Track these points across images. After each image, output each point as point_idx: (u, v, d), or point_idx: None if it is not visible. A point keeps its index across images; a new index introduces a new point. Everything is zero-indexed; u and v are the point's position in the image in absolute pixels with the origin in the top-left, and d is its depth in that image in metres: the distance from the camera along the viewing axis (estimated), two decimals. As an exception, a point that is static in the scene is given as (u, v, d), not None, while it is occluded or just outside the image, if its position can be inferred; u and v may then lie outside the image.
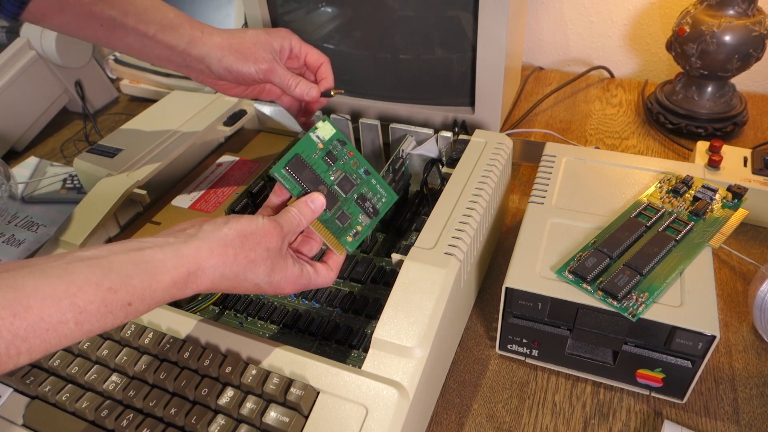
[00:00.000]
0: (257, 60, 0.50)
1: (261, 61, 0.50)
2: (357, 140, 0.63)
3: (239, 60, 0.49)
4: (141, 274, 0.31)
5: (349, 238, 0.44)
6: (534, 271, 0.44)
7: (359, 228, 0.45)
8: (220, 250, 0.35)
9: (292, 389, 0.38)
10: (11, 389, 0.44)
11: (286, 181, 0.43)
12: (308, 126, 0.57)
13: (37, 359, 0.28)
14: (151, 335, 0.43)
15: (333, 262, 0.44)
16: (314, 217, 0.42)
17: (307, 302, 0.52)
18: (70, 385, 0.43)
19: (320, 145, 0.45)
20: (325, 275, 0.42)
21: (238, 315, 0.51)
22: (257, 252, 0.37)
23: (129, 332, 0.44)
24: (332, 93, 0.54)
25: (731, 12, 0.67)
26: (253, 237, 0.37)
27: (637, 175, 0.53)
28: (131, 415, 0.40)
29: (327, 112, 0.65)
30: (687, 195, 0.50)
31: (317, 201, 0.42)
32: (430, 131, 0.59)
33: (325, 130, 0.45)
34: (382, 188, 0.47)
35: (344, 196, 0.45)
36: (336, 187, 0.45)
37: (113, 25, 0.47)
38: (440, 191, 0.51)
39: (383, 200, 0.47)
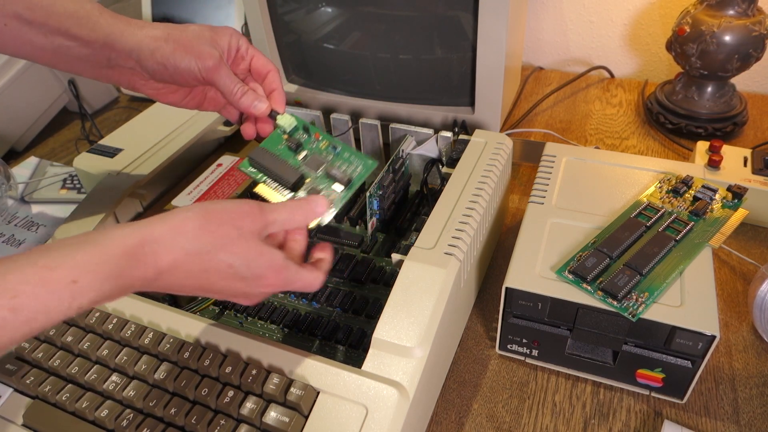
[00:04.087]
0: (200, 55, 0.42)
1: (205, 57, 0.42)
2: (357, 140, 0.63)
3: (178, 52, 0.41)
4: (86, 246, 0.28)
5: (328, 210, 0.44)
6: (534, 271, 0.44)
7: (332, 197, 0.44)
8: (177, 224, 0.32)
9: (292, 389, 0.38)
10: (11, 389, 0.44)
11: (253, 174, 0.45)
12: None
13: None
14: (151, 335, 0.43)
15: (322, 262, 0.40)
16: (311, 219, 0.39)
17: (306, 302, 0.52)
18: (70, 385, 0.43)
19: (285, 137, 0.46)
20: (312, 275, 0.38)
21: (238, 315, 0.51)
22: (225, 229, 0.33)
23: (129, 332, 0.44)
24: (278, 114, 0.46)
25: (731, 12, 0.67)
26: (219, 215, 0.33)
27: (637, 175, 0.53)
28: (131, 415, 0.40)
29: (327, 112, 0.65)
30: (687, 195, 0.50)
31: (320, 203, 0.39)
32: (430, 131, 0.59)
33: (284, 120, 0.46)
34: (356, 159, 0.46)
35: (314, 174, 0.45)
36: (304, 167, 0.45)
37: (18, 24, 0.40)
38: (440, 191, 0.51)
39: (358, 169, 0.46)
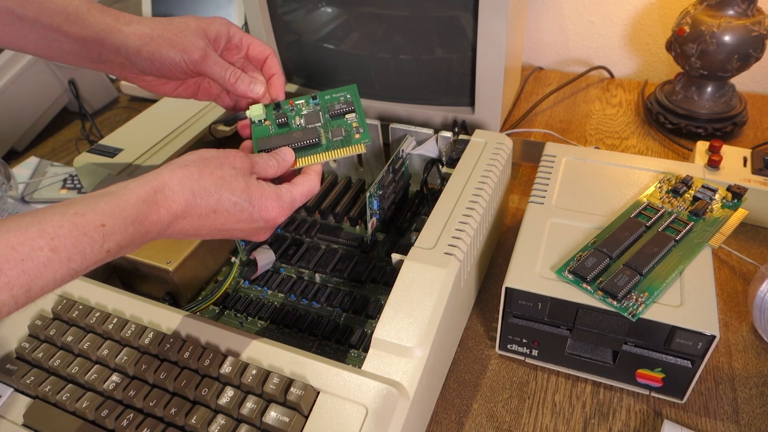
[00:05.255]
0: (185, 49, 0.43)
1: (190, 50, 0.43)
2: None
3: (163, 48, 0.42)
4: (106, 197, 0.32)
5: (357, 135, 0.46)
6: (534, 271, 0.44)
7: (354, 124, 0.47)
8: (181, 169, 0.35)
9: (292, 389, 0.38)
10: (11, 389, 0.44)
11: None
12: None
13: (25, 300, 0.28)
14: (151, 335, 0.43)
15: (309, 168, 0.43)
16: (285, 167, 0.42)
17: (306, 302, 0.52)
18: (70, 385, 0.43)
19: (267, 122, 0.46)
20: (306, 182, 0.42)
21: (238, 315, 0.52)
22: (224, 170, 0.37)
23: (129, 332, 0.44)
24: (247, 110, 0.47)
25: (731, 12, 0.67)
26: (216, 159, 0.37)
27: (637, 175, 0.53)
28: (131, 415, 0.40)
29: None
30: (687, 195, 0.50)
31: (287, 153, 0.43)
32: (430, 131, 0.59)
33: (255, 111, 0.46)
34: (336, 92, 0.48)
35: (320, 123, 0.47)
36: (309, 126, 0.46)
37: (11, 19, 0.42)
38: (440, 191, 0.51)
39: (347, 96, 0.48)
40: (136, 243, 0.33)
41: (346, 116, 0.47)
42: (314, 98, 0.48)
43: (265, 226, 0.39)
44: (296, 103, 0.48)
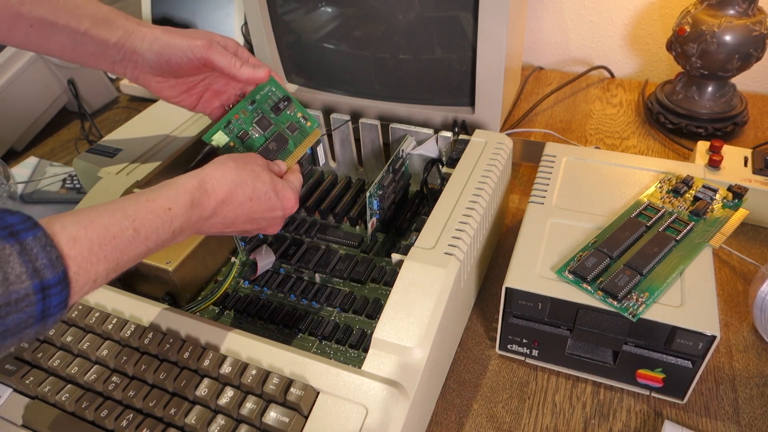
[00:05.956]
0: (191, 36, 0.47)
1: (195, 37, 0.47)
2: (357, 140, 0.63)
3: (173, 39, 0.47)
4: (166, 188, 0.37)
5: (308, 124, 0.53)
6: (534, 271, 0.44)
7: (299, 115, 0.52)
8: (220, 166, 0.41)
9: (292, 389, 0.38)
10: (11, 389, 0.44)
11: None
12: None
13: (114, 274, 0.32)
14: (151, 335, 0.43)
15: (293, 168, 0.50)
16: (281, 175, 0.48)
17: (306, 302, 0.52)
18: (70, 385, 0.43)
19: (232, 144, 0.49)
20: (298, 177, 0.49)
21: (238, 315, 0.51)
22: (251, 166, 0.43)
23: (129, 332, 0.44)
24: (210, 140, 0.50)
25: (731, 12, 0.67)
26: (243, 158, 0.43)
27: (637, 175, 0.53)
28: (131, 415, 0.40)
29: (327, 111, 0.65)
30: (687, 195, 0.50)
31: (282, 165, 0.49)
32: (430, 131, 0.58)
33: (220, 138, 0.49)
34: (262, 90, 0.51)
35: (275, 123, 0.51)
36: (267, 132, 0.50)
37: (43, 24, 0.46)
38: (440, 191, 0.51)
39: (273, 90, 0.52)
40: (191, 226, 0.38)
41: (287, 113, 0.52)
42: (252, 103, 0.50)
43: (282, 215, 0.45)
44: (239, 115, 0.50)
